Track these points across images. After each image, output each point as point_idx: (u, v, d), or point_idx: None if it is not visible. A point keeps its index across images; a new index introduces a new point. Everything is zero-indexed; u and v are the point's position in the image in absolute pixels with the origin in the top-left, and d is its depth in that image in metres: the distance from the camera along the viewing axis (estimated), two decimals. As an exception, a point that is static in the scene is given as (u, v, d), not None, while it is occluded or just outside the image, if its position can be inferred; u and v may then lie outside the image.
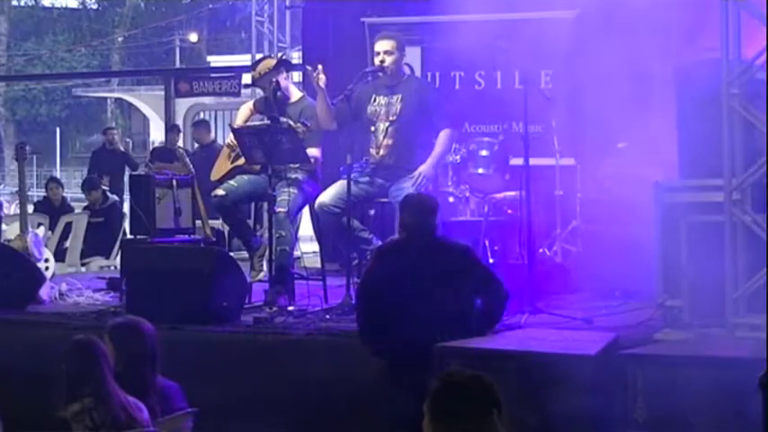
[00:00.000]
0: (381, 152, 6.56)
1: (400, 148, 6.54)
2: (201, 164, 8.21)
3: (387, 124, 6.56)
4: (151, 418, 4.21)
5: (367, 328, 5.23)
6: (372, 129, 6.62)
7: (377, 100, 6.63)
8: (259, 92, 8.05)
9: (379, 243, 6.59)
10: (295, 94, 6.96)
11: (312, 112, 6.71)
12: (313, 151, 6.62)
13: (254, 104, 7.15)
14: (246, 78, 10.34)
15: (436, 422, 3.07)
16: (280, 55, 7.05)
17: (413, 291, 4.98)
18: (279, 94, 6.75)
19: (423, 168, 6.41)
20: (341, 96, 6.36)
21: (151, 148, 12.37)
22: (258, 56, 9.30)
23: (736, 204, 5.14)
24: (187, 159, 7.88)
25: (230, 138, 7.07)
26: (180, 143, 12.04)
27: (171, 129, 12.39)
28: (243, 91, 13.13)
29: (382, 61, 6.53)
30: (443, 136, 6.51)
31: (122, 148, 12.55)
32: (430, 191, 6.41)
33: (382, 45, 6.57)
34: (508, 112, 8.16)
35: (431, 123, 6.54)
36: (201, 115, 16.98)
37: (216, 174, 7.12)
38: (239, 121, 7.09)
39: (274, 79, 6.78)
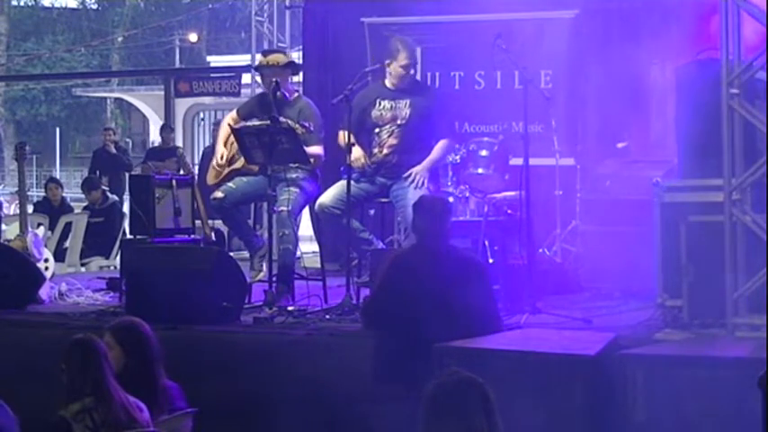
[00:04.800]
0: (385, 151, 6.57)
1: (404, 149, 6.55)
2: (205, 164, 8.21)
3: (393, 127, 6.57)
4: (158, 416, 4.23)
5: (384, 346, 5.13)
6: (377, 130, 6.63)
7: (381, 104, 6.63)
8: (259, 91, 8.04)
9: (380, 243, 6.60)
10: (292, 94, 6.94)
11: (310, 111, 6.71)
12: (315, 149, 6.61)
13: (238, 112, 7.07)
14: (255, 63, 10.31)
15: (430, 423, 3.09)
16: (295, 56, 6.98)
17: (427, 301, 4.93)
18: (279, 93, 6.73)
19: (417, 168, 6.42)
20: (340, 96, 6.35)
21: (148, 148, 12.67)
22: (258, 56, 9.28)
23: (736, 204, 5.13)
24: (186, 159, 7.87)
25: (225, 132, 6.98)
26: (179, 142, 12.14)
27: (163, 129, 12.56)
28: (243, 91, 13.12)
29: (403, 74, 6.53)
30: (442, 144, 6.57)
31: (114, 150, 12.56)
32: (431, 191, 6.42)
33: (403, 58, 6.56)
34: (508, 112, 8.17)
35: (433, 129, 6.56)
36: (201, 115, 17.01)
37: (211, 179, 7.06)
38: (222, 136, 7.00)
39: (275, 79, 6.74)
